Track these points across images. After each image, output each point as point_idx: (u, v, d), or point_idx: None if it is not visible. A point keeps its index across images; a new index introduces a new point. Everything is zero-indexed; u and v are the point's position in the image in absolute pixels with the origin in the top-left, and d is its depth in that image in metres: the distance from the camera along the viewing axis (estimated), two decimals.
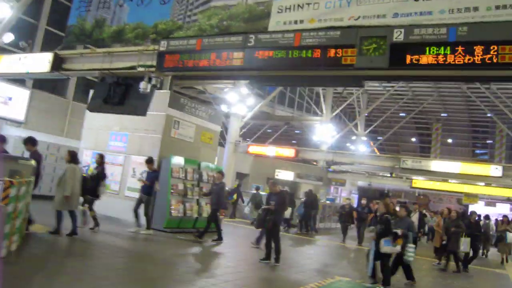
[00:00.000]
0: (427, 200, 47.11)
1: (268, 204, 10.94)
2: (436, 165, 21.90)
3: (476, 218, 15.42)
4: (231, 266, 10.17)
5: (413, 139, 49.26)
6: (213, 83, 24.97)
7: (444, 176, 28.06)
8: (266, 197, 11.50)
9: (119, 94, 10.30)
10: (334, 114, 33.27)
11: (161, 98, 14.77)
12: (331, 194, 33.75)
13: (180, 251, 11.48)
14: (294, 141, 46.50)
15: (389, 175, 34.17)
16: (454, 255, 13.28)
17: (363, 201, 18.88)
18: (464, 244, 12.90)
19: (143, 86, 9.69)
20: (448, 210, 16.47)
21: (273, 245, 10.77)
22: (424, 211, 22.03)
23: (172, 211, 13.83)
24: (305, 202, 19.87)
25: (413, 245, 9.68)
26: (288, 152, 24.46)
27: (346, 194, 36.40)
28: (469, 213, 16.71)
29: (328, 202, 27.56)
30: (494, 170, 20.42)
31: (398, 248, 9.20)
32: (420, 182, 31.42)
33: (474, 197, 30.02)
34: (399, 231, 9.29)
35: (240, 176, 30.96)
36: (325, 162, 27.49)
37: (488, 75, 7.27)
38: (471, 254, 14.08)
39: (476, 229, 14.12)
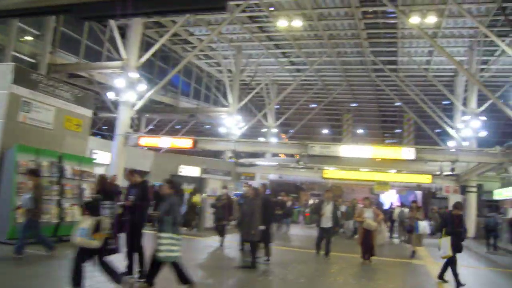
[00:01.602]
0: (340, 191, 45.98)
1: (125, 199, 8.04)
2: (346, 150, 19.87)
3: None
4: None
5: (325, 131, 48.00)
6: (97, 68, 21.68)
7: (355, 164, 26.51)
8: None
9: None
10: (241, 104, 30.80)
11: (1, 72, 11.41)
12: (241, 189, 31.16)
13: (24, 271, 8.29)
14: (205, 137, 43.65)
15: (300, 167, 32.40)
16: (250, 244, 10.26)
17: (244, 188, 14.24)
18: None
19: None
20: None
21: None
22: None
23: (17, 217, 10.52)
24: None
25: (170, 235, 6.82)
26: (185, 142, 21.46)
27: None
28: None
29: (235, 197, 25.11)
30: (407, 152, 18.74)
31: (95, 243, 6.43)
32: (331, 172, 29.69)
33: (386, 185, 28.74)
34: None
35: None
36: (232, 154, 24.68)
37: None
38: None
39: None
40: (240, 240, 11.11)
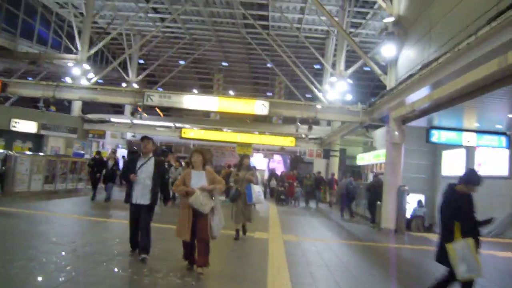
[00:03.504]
0: (210, 154, 43.20)
1: None
2: (189, 100, 16.61)
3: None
4: None
5: (194, 90, 44.57)
6: None
7: (209, 123, 23.62)
8: None
9: None
10: (92, 52, 26.08)
11: None
12: (89, 149, 26.80)
13: None
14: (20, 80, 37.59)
15: (163, 127, 28.88)
16: None
17: None
18: None
19: None
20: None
21: None
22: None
23: None
24: None
25: None
26: None
27: (109, 149, 29.90)
28: None
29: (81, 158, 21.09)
30: (260, 106, 16.03)
31: None
32: (190, 131, 26.58)
33: (248, 147, 26.32)
34: None
35: None
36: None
37: None
38: None
39: None
40: None
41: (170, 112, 43.85)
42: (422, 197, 18.84)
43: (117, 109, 38.36)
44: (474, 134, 14.61)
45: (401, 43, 14.10)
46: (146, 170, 7.24)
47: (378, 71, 15.46)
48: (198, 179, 6.74)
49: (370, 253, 10.55)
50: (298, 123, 17.49)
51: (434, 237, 14.71)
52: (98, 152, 16.45)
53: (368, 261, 9.53)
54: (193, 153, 7.05)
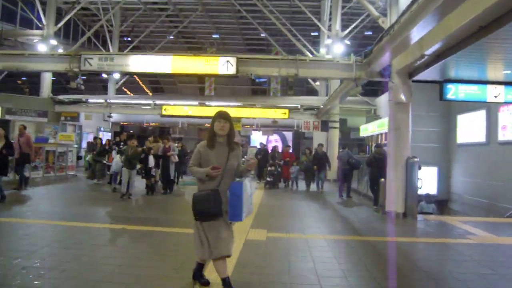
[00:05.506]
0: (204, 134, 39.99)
1: None
2: (136, 62, 13.13)
3: None
4: None
5: None
6: None
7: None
8: None
9: None
10: (60, 25, 22.73)
11: None
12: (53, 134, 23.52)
13: None
14: None
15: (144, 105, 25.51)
16: None
17: None
18: None
19: None
20: None
21: None
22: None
23: None
24: None
25: None
26: None
27: (92, 132, 26.70)
28: None
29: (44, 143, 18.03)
30: (224, 64, 12.61)
31: None
32: (171, 108, 23.23)
33: (237, 122, 22.89)
34: None
35: None
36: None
37: None
38: None
39: None
40: None
41: (165, 91, 40.80)
42: (435, 170, 15.58)
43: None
44: (502, 87, 11.05)
45: None
46: None
47: (375, 13, 11.91)
48: None
49: (365, 257, 7.12)
50: (277, 86, 14.05)
51: (455, 220, 11.42)
52: None
53: (358, 274, 6.13)
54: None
